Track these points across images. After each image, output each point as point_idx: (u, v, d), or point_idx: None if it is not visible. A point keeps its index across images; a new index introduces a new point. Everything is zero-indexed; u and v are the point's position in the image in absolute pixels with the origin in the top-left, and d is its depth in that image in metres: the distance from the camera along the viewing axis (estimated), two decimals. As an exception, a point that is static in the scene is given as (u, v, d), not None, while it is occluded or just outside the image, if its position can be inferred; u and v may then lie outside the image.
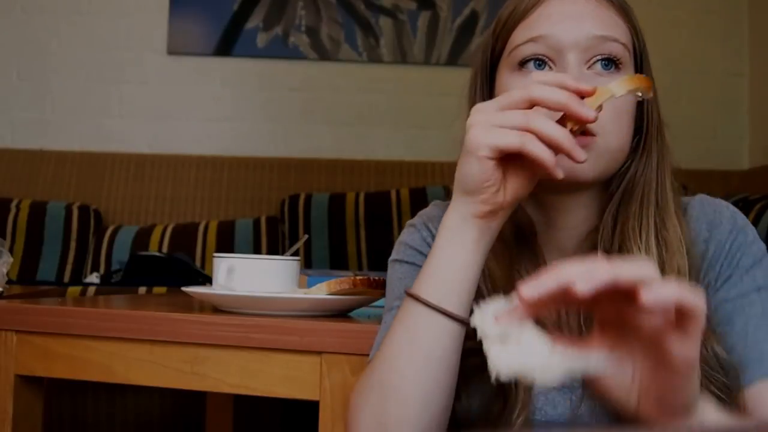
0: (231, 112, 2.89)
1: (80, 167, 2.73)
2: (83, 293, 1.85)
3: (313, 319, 0.92)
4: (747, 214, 0.90)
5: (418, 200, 2.54)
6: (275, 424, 2.03)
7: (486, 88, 0.87)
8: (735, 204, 0.86)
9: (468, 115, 0.83)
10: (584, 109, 0.67)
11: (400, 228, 2.49)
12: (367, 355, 0.86)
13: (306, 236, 1.24)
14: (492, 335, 0.59)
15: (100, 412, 1.99)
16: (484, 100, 0.86)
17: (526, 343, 0.59)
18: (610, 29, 0.80)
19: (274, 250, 2.50)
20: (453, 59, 2.88)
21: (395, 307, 0.83)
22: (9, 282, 1.41)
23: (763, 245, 0.84)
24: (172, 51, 2.88)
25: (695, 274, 0.81)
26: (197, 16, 2.87)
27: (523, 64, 0.81)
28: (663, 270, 0.77)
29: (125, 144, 2.82)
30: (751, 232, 0.83)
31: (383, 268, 2.78)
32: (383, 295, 1.00)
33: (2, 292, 1.20)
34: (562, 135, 0.67)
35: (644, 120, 0.84)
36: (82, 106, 2.86)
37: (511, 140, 0.68)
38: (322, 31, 2.88)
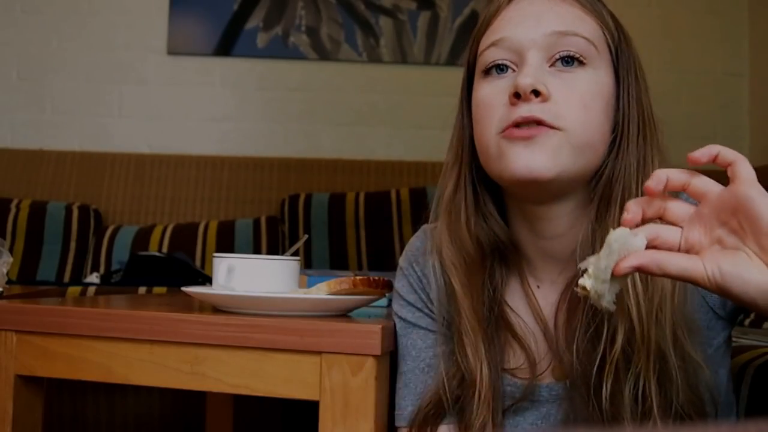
0: (231, 112, 2.89)
1: (80, 167, 2.73)
2: (83, 293, 1.85)
3: (313, 319, 0.92)
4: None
5: (418, 200, 2.54)
6: (275, 424, 2.03)
7: (465, 102, 0.88)
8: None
9: (460, 117, 0.88)
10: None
11: (401, 228, 2.51)
12: (367, 355, 0.86)
13: (306, 236, 1.23)
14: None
15: (100, 412, 1.99)
16: (464, 109, 0.88)
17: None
18: (571, 25, 0.79)
19: (274, 250, 2.50)
20: (453, 59, 2.88)
21: (405, 371, 0.90)
22: (9, 282, 1.41)
23: None
24: (172, 51, 2.88)
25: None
26: (197, 16, 2.87)
27: (487, 72, 0.82)
28: (645, 283, 0.75)
29: (125, 144, 2.82)
30: None
31: (383, 268, 2.77)
32: (383, 294, 1.00)
33: (2, 292, 1.20)
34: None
35: (620, 116, 0.81)
36: (82, 106, 2.86)
37: None
38: (322, 31, 2.88)
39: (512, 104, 0.77)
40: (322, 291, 0.96)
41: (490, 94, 0.81)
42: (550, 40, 0.78)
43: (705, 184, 0.63)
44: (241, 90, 2.90)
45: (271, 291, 0.98)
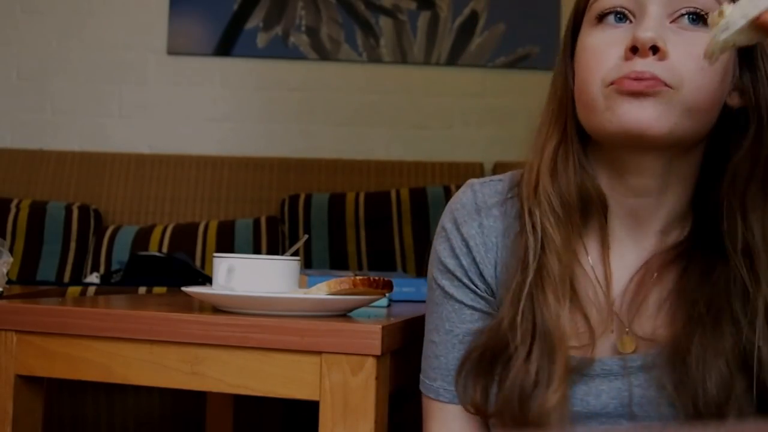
0: (231, 112, 2.89)
1: (80, 167, 2.73)
2: (83, 293, 1.84)
3: (313, 319, 0.92)
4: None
5: (418, 200, 2.54)
6: (275, 424, 2.03)
7: (569, 50, 0.83)
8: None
9: (563, 69, 0.82)
10: None
11: (401, 228, 2.51)
12: (367, 355, 0.86)
13: (306, 236, 1.23)
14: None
15: (100, 412, 1.99)
16: (566, 64, 0.82)
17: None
18: None
19: (274, 250, 2.50)
20: (453, 59, 2.88)
21: (437, 342, 0.86)
22: (9, 282, 1.41)
23: None
24: (172, 51, 2.88)
25: None
26: (197, 16, 2.87)
27: (601, 18, 0.76)
28: None
29: (125, 144, 2.82)
30: None
31: (383, 268, 2.76)
32: (383, 294, 1.00)
33: (2, 292, 1.20)
34: None
35: (752, 86, 0.76)
36: (82, 106, 2.86)
37: None
38: (322, 31, 2.88)
39: (627, 59, 0.73)
40: (322, 291, 0.96)
41: (603, 42, 0.75)
42: None
43: None
44: (241, 90, 2.90)
45: (271, 291, 0.98)
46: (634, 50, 0.72)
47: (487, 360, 0.79)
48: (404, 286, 1.34)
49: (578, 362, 0.77)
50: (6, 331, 0.99)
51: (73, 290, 1.86)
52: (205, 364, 0.92)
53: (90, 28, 2.88)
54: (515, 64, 2.87)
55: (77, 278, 2.48)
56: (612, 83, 0.73)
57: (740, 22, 0.62)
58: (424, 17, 2.90)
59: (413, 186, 2.65)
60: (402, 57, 2.89)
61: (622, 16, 0.76)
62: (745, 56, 0.77)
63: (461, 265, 0.85)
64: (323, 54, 2.88)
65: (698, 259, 0.78)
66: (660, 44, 0.71)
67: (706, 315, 0.74)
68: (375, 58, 2.89)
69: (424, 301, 1.10)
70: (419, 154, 2.80)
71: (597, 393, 0.78)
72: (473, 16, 2.89)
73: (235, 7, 2.87)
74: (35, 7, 2.88)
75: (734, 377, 0.72)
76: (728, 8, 0.63)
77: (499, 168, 2.70)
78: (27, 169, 2.72)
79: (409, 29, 2.89)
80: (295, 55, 2.88)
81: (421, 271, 2.42)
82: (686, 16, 0.74)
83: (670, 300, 0.78)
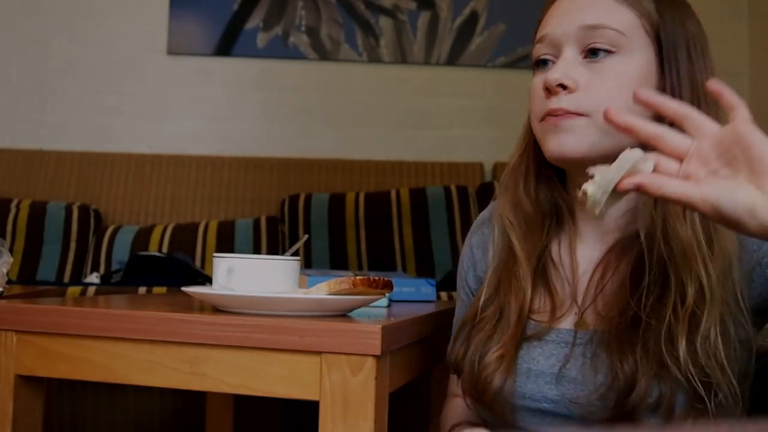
0: (231, 112, 2.89)
1: (80, 167, 2.73)
2: (83, 293, 1.85)
3: (313, 319, 0.92)
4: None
5: (418, 200, 2.54)
6: (275, 424, 2.03)
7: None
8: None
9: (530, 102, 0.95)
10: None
11: (401, 228, 2.52)
12: (367, 355, 0.87)
13: (306, 236, 1.23)
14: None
15: (100, 412, 1.99)
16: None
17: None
18: (602, 17, 0.88)
19: (274, 250, 2.50)
20: (453, 59, 2.88)
21: (451, 337, 1.02)
22: (9, 282, 1.41)
23: None
24: (172, 51, 2.88)
25: (745, 257, 0.84)
26: (197, 16, 2.87)
27: (537, 63, 0.93)
28: (711, 247, 0.82)
29: (125, 144, 2.82)
30: None
31: (383, 268, 2.76)
32: (383, 294, 1.00)
33: (2, 292, 1.20)
34: None
35: (667, 94, 0.85)
36: (82, 106, 2.86)
37: None
38: (322, 31, 2.88)
39: (547, 97, 0.88)
40: (322, 291, 0.96)
41: (536, 85, 0.92)
42: (581, 33, 0.88)
43: (704, 121, 0.70)
44: (241, 90, 2.90)
45: (271, 291, 0.98)
46: (549, 90, 0.88)
47: (467, 328, 0.95)
48: (404, 286, 1.34)
49: (538, 330, 0.92)
50: (6, 331, 0.99)
51: (73, 290, 1.86)
52: (205, 364, 0.91)
53: (90, 28, 2.88)
54: (515, 64, 2.87)
55: (77, 278, 2.48)
56: (542, 120, 0.89)
57: (603, 196, 0.71)
58: (424, 17, 2.90)
59: (413, 186, 2.65)
60: (402, 57, 2.89)
61: (547, 61, 0.92)
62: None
63: (464, 269, 1.06)
64: (323, 54, 2.88)
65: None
66: (566, 82, 0.86)
67: (639, 302, 0.84)
68: (375, 58, 2.89)
69: (424, 301, 1.28)
70: (419, 154, 2.80)
71: (548, 355, 0.90)
72: (473, 16, 2.89)
73: (235, 7, 2.87)
74: (35, 7, 2.88)
75: (645, 366, 0.81)
76: (590, 188, 0.72)
77: (499, 168, 2.70)
78: (27, 169, 2.72)
79: (409, 29, 2.90)
80: (295, 55, 2.88)
81: (421, 271, 2.42)
82: (592, 51, 0.88)
83: (620, 286, 0.88)
